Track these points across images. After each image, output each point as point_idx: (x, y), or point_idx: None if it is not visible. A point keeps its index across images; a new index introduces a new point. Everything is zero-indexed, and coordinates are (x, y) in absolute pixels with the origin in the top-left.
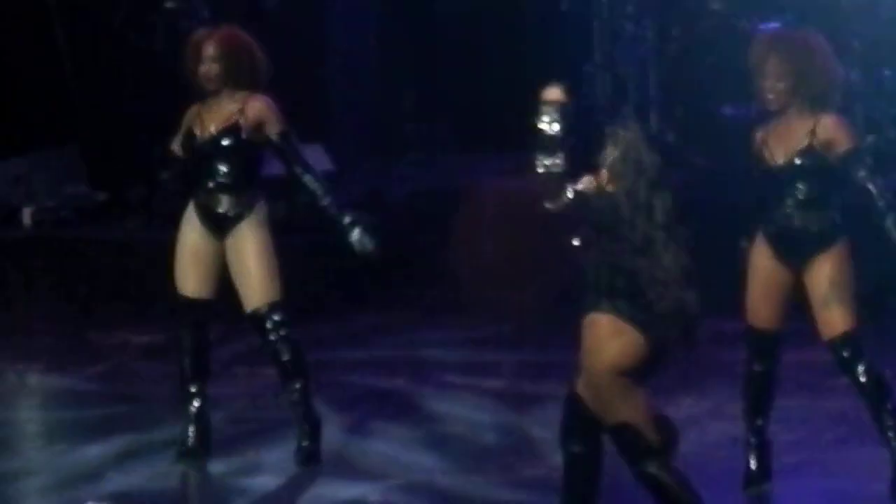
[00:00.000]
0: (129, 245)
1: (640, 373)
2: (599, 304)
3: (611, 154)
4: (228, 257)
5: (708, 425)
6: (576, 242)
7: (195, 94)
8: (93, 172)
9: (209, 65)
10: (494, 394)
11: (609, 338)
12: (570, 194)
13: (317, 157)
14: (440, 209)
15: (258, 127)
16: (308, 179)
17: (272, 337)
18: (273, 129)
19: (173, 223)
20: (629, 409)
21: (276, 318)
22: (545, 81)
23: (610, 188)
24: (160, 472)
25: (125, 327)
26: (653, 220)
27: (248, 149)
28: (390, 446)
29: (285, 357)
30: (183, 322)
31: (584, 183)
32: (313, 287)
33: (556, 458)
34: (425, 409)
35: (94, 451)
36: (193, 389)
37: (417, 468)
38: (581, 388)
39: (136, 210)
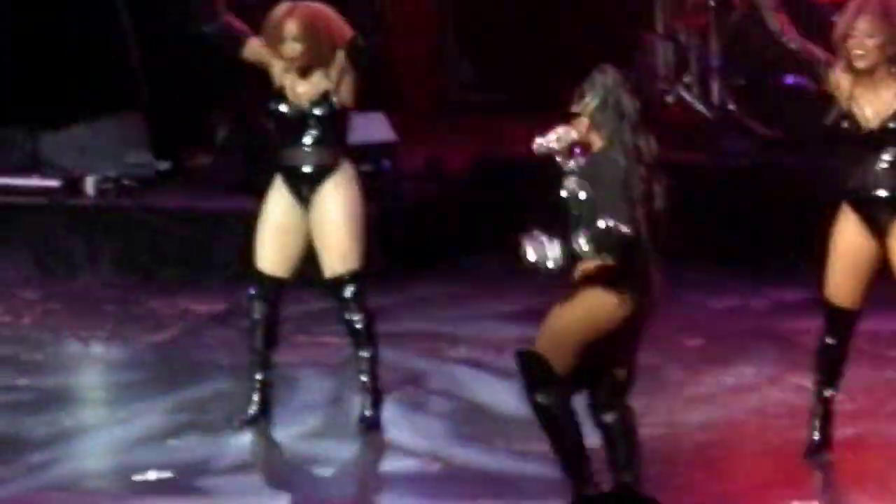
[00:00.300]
0: (191, 213)
1: (613, 331)
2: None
3: (590, 102)
4: (312, 219)
5: (768, 394)
6: (564, 194)
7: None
8: (156, 140)
9: (291, 45)
10: None
11: (606, 290)
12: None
13: (378, 126)
14: (500, 178)
15: (342, 77)
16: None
17: (348, 305)
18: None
19: (237, 192)
20: (572, 357)
21: (354, 287)
22: (607, 51)
23: (594, 137)
24: (222, 441)
25: (187, 295)
26: (641, 163)
27: (338, 115)
28: (448, 418)
29: (358, 325)
30: (254, 294)
31: (561, 132)
32: (373, 255)
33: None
34: (483, 382)
35: (156, 420)
36: (259, 359)
37: (475, 441)
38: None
39: (199, 178)
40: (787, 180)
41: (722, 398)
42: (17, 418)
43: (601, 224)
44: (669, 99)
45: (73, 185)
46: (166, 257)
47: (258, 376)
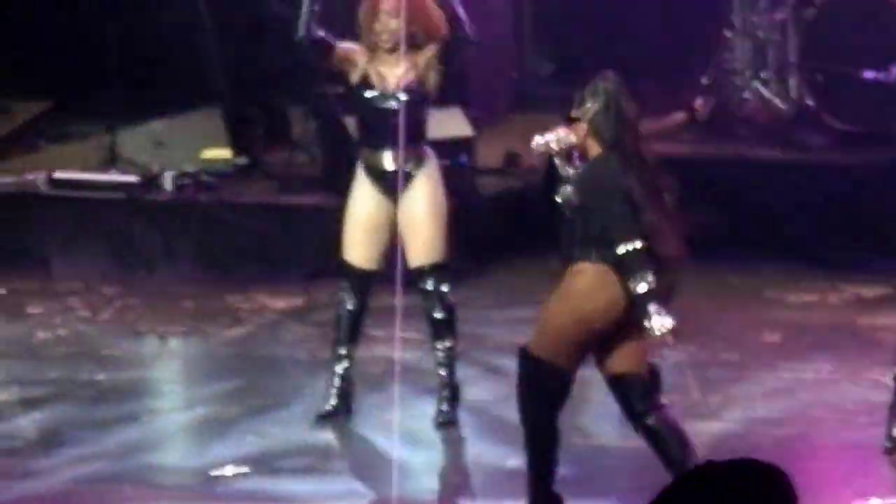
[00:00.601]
0: (268, 209)
1: (607, 333)
2: (589, 255)
3: (591, 107)
4: (400, 215)
5: (846, 390)
6: (559, 199)
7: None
8: (233, 136)
9: (386, 20)
10: None
11: (598, 289)
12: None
13: (455, 121)
14: None
15: (428, 69)
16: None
17: (430, 297)
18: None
19: (315, 187)
20: (567, 358)
21: (436, 279)
22: (684, 47)
23: (591, 143)
24: (299, 436)
25: (264, 291)
26: (645, 165)
27: (422, 104)
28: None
29: (439, 316)
30: (344, 286)
31: (561, 134)
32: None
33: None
34: None
35: (233, 415)
36: (343, 352)
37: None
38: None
39: (277, 173)
40: (864, 175)
41: (800, 393)
42: (96, 413)
43: (621, 250)
44: (747, 94)
45: (151, 180)
46: (244, 253)
47: (338, 370)
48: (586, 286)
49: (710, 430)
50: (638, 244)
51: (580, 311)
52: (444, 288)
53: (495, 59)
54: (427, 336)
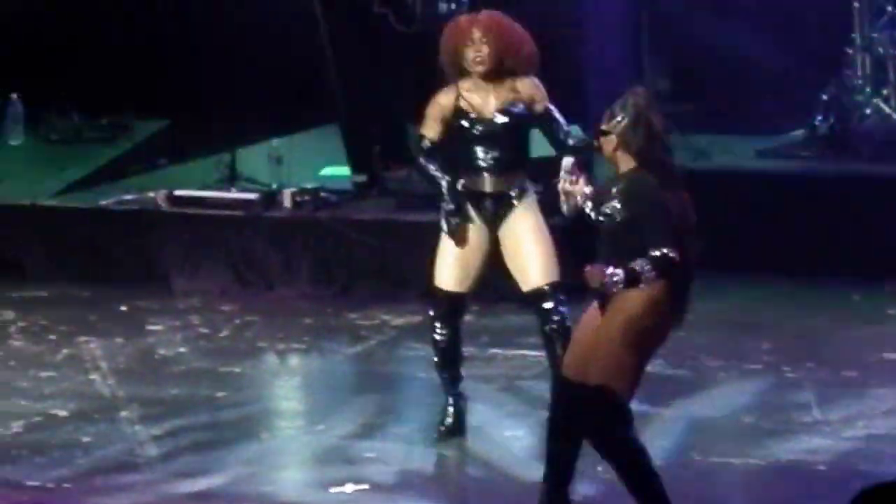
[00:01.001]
0: (386, 226)
1: (658, 340)
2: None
3: (622, 120)
4: (503, 242)
5: None
6: (599, 219)
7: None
8: (352, 154)
9: (479, 46)
10: (755, 375)
11: (650, 305)
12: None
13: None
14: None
15: (530, 104)
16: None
17: (550, 316)
18: (541, 104)
19: (433, 204)
20: (625, 382)
21: (556, 297)
22: (803, 64)
23: (621, 156)
24: (417, 455)
25: (383, 308)
26: (674, 180)
27: (521, 128)
28: (649, 427)
29: (558, 337)
30: (435, 312)
31: (563, 163)
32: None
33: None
34: (684, 388)
35: (352, 433)
36: (447, 376)
37: (672, 448)
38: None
39: (394, 191)
40: None
41: None
42: (216, 430)
43: (655, 253)
44: (867, 111)
45: (270, 197)
46: (363, 269)
47: (448, 392)
48: (639, 303)
49: (831, 448)
50: (670, 252)
51: (634, 331)
52: (563, 307)
53: (614, 76)
54: (545, 356)
